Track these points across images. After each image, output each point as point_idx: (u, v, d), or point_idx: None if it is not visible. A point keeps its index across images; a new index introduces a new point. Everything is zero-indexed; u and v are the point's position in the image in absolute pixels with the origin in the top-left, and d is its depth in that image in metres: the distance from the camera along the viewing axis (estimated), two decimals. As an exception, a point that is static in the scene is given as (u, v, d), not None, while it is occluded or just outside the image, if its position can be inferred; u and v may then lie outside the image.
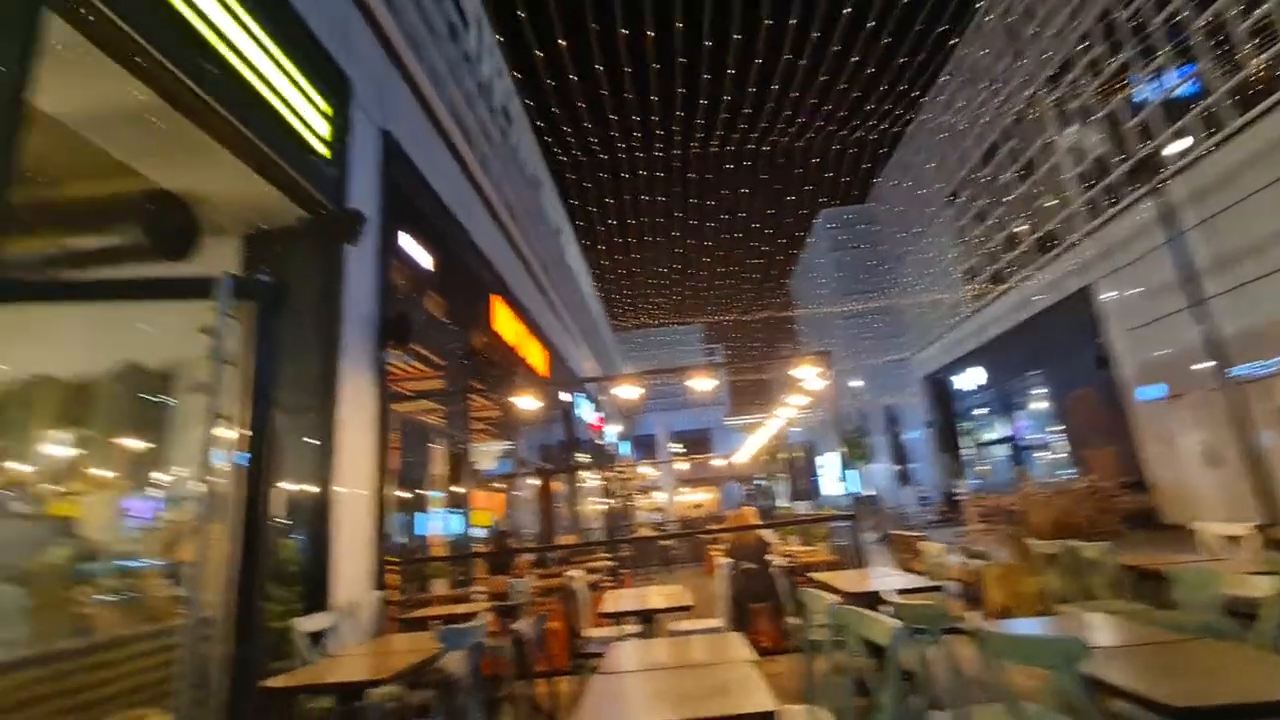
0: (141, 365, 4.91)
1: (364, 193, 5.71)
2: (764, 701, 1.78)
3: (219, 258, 5.17)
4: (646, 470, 35.26)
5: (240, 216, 5.21)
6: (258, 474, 2.37)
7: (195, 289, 2.50)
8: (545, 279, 14.67)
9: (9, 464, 4.51)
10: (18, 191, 2.70)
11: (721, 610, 4.67)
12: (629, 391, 9.71)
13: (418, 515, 8.02)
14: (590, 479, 15.94)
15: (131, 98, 3.79)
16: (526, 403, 9.18)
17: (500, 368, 10.70)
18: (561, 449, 13.74)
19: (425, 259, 7.04)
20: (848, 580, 4.43)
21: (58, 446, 4.96)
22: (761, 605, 5.99)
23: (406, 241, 6.38)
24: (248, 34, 4.17)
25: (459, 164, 9.04)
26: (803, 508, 32.87)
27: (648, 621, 4.25)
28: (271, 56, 4.41)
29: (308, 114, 4.85)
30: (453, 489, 8.71)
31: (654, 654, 2.79)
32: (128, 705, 2.98)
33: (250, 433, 2.45)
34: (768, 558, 6.12)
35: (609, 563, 8.33)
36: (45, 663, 2.72)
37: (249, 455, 2.42)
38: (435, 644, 3.00)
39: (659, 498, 36.58)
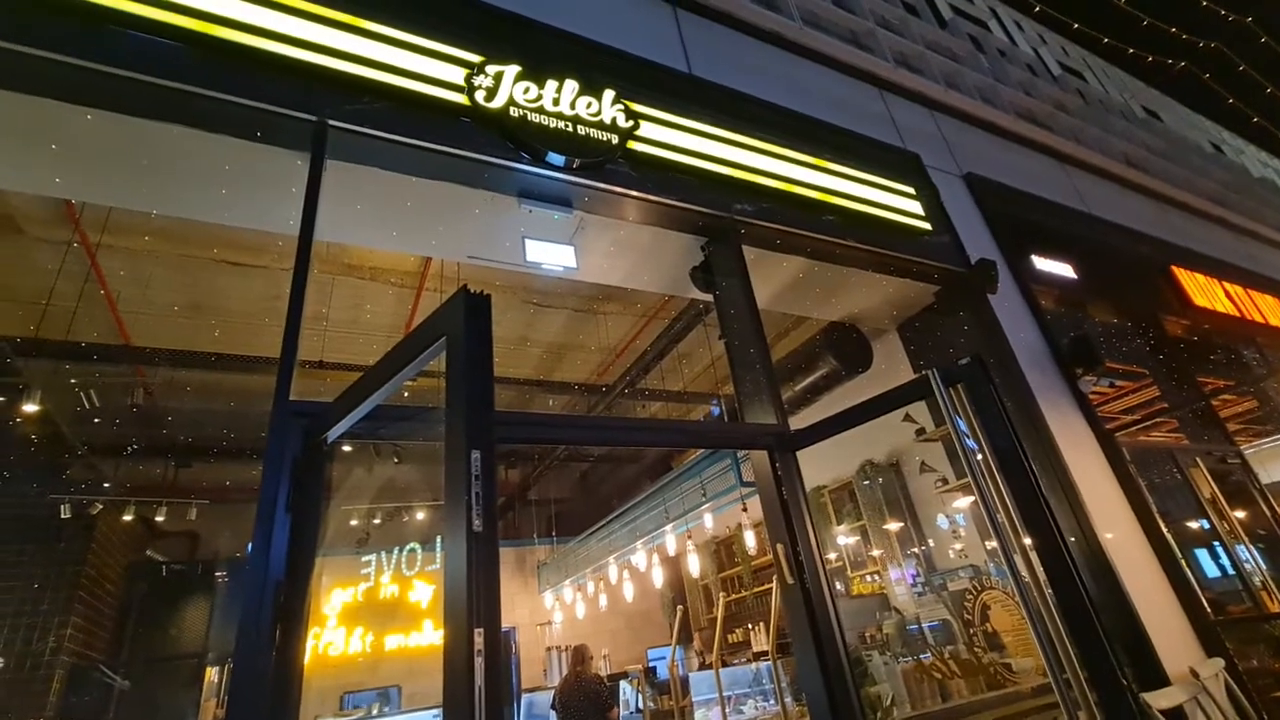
0: (874, 461, 5.97)
1: (978, 240, 5.68)
2: None
3: (887, 354, 5.97)
4: None
5: (889, 315, 5.95)
6: (1049, 536, 2.40)
7: (915, 391, 2.93)
8: (1233, 215, 10.76)
9: (829, 555, 6.02)
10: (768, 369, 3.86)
11: None
12: None
13: (1203, 556, 6.42)
14: None
15: (793, 270, 5.03)
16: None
17: (1226, 346, 8.08)
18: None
19: (1065, 270, 6.28)
20: None
21: (844, 537, 6.38)
22: None
23: (1041, 263, 5.88)
24: (841, 177, 5.00)
25: (1051, 156, 8.03)
26: None
27: None
28: (859, 180, 5.12)
29: (901, 204, 5.30)
30: (1237, 513, 6.68)
31: None
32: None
33: (1014, 495, 2.55)
34: None
35: None
36: (932, 720, 3.32)
37: (1027, 522, 2.49)
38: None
39: None
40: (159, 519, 6.55)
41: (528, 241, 3.71)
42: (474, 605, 1.35)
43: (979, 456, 2.70)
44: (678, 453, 8.46)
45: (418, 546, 7.00)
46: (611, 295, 7.17)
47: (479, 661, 1.33)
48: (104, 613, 5.96)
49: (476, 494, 1.44)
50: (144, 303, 5.67)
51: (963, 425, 2.65)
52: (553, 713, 4.99)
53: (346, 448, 5.58)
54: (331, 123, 2.98)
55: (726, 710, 4.52)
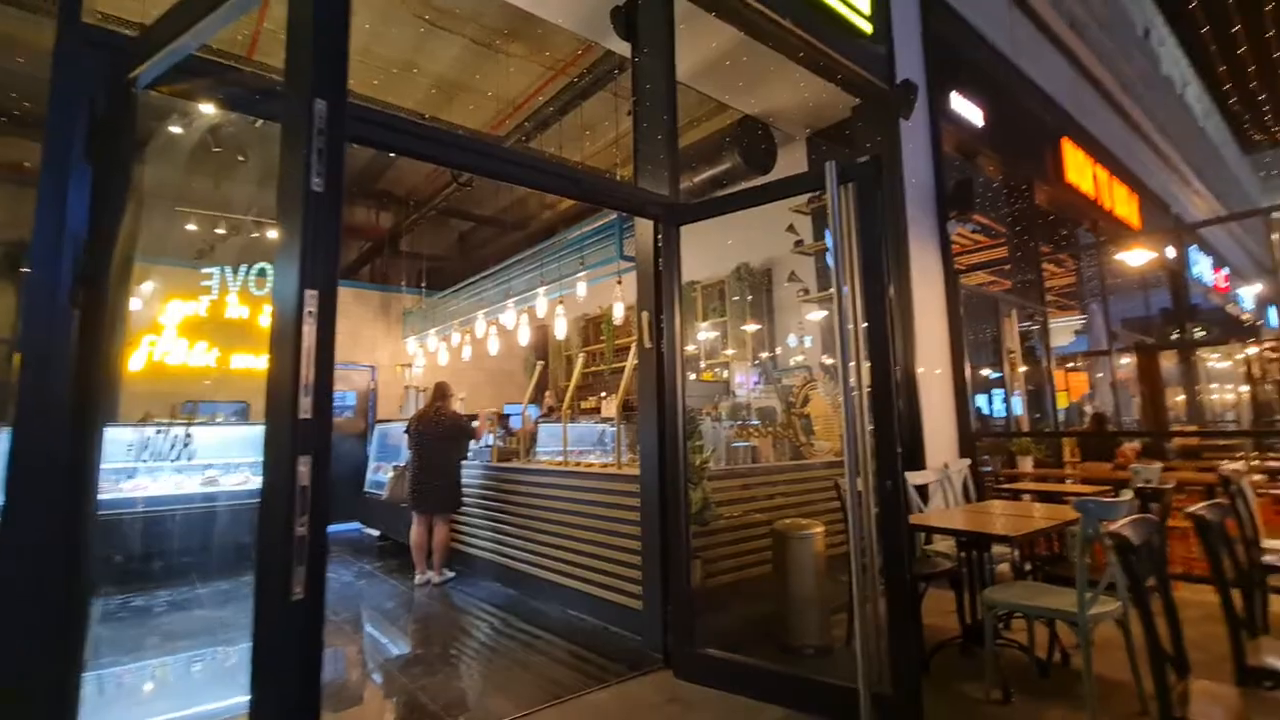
0: (749, 265, 6.20)
1: (909, 59, 5.47)
2: None
3: (791, 163, 5.92)
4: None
5: (802, 122, 5.78)
6: (880, 341, 2.65)
7: (809, 182, 2.93)
8: (1130, 104, 11.24)
9: (688, 347, 6.44)
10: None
11: None
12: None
13: (992, 393, 7.72)
14: (1218, 357, 11.98)
15: (721, 45, 4.60)
16: (1120, 262, 7.44)
17: (1073, 224, 8.94)
18: (1167, 319, 10.71)
19: (975, 114, 6.34)
20: None
21: (705, 332, 6.82)
22: None
23: (957, 102, 5.86)
24: (798, -61, 4.41)
25: (1004, -11, 7.63)
26: None
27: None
28: (816, -49, 4.56)
29: (850, -4, 4.88)
30: (1025, 366, 7.98)
31: None
32: (788, 514, 3.95)
33: (867, 302, 2.75)
34: None
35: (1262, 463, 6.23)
36: (738, 476, 3.91)
37: (869, 324, 2.73)
38: (1057, 514, 2.88)
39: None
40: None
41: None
42: (307, 266, 1.24)
43: (847, 261, 2.83)
44: (564, 223, 8.26)
45: (268, 267, 6.48)
46: (518, 33, 6.28)
47: (308, 326, 1.26)
48: None
49: (319, 150, 1.25)
50: None
51: (842, 225, 2.72)
52: (405, 436, 5.27)
53: (176, 129, 4.76)
54: None
55: (568, 455, 5.03)
